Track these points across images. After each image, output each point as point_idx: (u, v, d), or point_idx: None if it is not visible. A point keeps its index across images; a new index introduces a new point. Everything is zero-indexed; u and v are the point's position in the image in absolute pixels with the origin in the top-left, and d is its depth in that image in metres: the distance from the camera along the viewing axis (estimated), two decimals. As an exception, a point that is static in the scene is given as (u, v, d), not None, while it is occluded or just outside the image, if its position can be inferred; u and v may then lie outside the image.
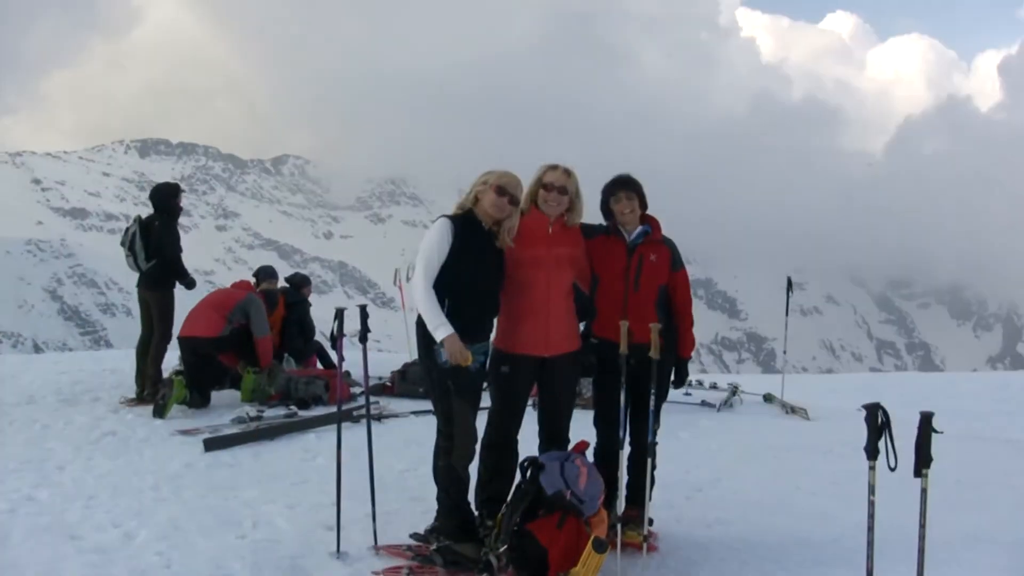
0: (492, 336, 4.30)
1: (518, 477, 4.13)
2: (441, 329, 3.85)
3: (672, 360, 4.54)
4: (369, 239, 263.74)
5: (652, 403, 4.31)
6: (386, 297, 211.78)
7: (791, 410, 9.12)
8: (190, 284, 8.00)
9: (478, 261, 4.03)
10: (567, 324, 4.33)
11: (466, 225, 4.04)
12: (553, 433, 4.36)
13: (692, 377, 11.12)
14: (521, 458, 4.19)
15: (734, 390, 9.63)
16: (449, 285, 3.96)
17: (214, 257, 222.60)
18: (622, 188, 4.49)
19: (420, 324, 4.00)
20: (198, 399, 7.47)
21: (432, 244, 3.96)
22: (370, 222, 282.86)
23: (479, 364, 3.98)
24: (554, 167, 4.30)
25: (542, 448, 4.35)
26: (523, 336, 4.22)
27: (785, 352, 10.89)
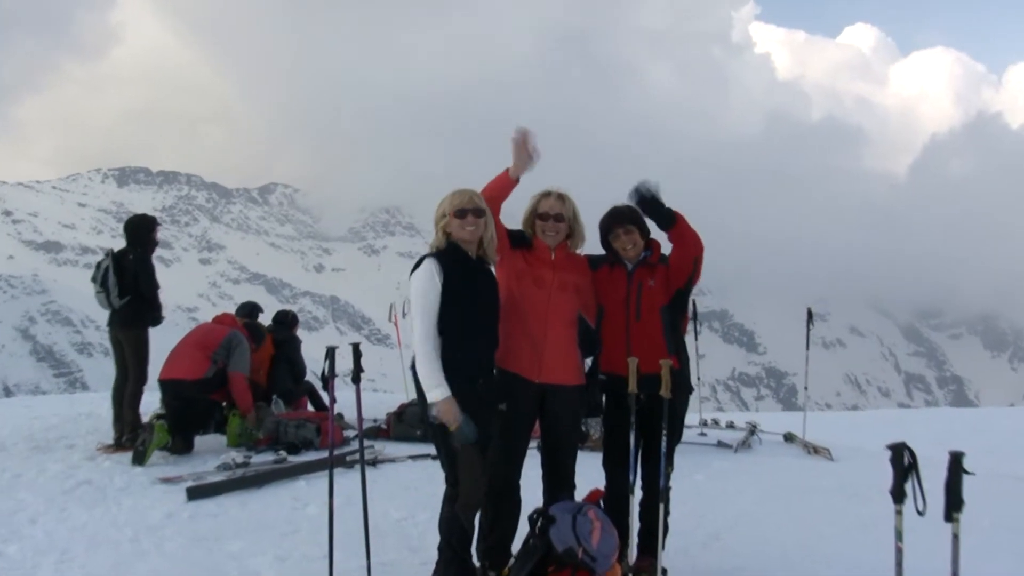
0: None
1: (525, 528, 4.12)
2: (436, 390, 3.87)
3: (683, 397, 4.54)
4: (362, 272, 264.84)
5: (664, 444, 4.31)
6: (381, 334, 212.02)
7: (814, 450, 9.10)
8: (156, 320, 7.87)
9: (472, 295, 4.07)
10: (565, 353, 4.35)
11: (452, 259, 4.08)
12: (558, 476, 4.36)
13: (707, 416, 11.11)
14: (523, 503, 4.18)
15: (752, 429, 9.61)
16: (445, 326, 3.99)
17: (198, 292, 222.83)
18: (619, 224, 4.53)
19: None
20: (180, 444, 7.46)
21: (424, 291, 3.98)
22: (363, 254, 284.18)
23: (468, 439, 3.89)
24: (547, 194, 4.40)
25: (547, 493, 4.35)
26: (515, 356, 4.26)
27: (807, 388, 10.87)
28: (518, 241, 4.42)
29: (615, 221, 4.56)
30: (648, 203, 4.33)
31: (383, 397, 12.21)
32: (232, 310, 9.31)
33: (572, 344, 4.40)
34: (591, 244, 4.63)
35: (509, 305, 4.28)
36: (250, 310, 9.25)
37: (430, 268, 4.02)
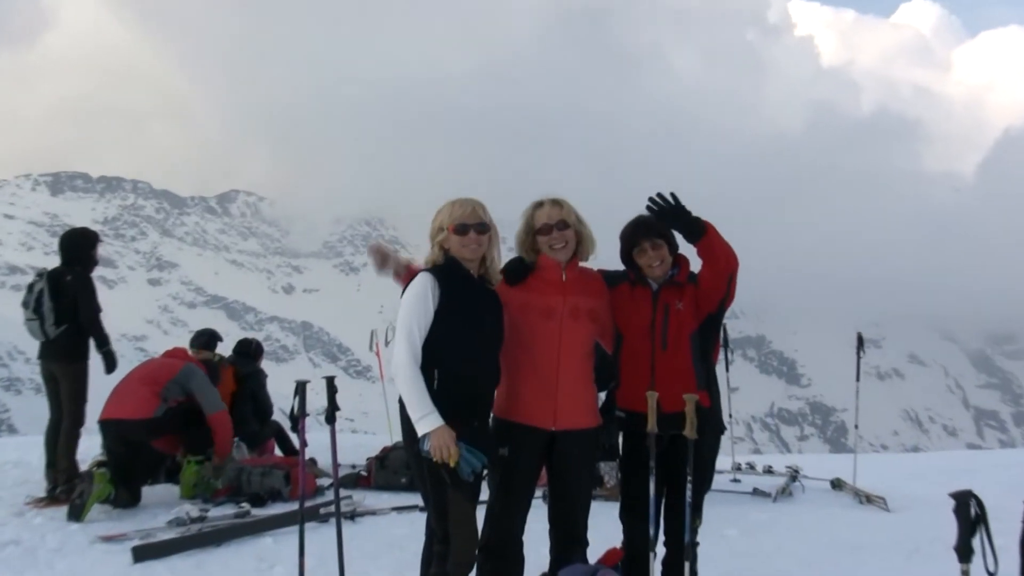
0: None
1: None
2: (426, 420, 3.89)
3: (712, 439, 4.55)
4: (339, 293, 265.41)
5: (690, 493, 4.32)
6: (361, 365, 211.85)
7: (866, 499, 9.08)
8: (110, 361, 7.80)
9: (472, 318, 4.11)
10: (583, 392, 4.38)
11: (451, 276, 4.14)
12: (568, 531, 4.37)
13: (741, 459, 11.10)
14: (528, 564, 4.19)
15: (794, 474, 9.59)
16: (439, 354, 4.02)
17: (146, 318, 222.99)
18: (643, 236, 4.56)
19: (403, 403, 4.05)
20: (125, 496, 7.45)
21: (413, 308, 4.04)
22: (340, 272, 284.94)
23: (473, 471, 3.96)
24: (539, 205, 4.46)
25: (555, 551, 4.35)
26: (525, 402, 4.29)
27: (857, 426, 10.87)
28: (514, 275, 4.45)
29: (641, 233, 4.59)
30: (670, 212, 4.34)
31: (363, 439, 12.21)
32: (186, 338, 9.34)
33: (588, 380, 4.44)
34: (606, 257, 4.67)
35: (513, 343, 4.31)
36: (208, 339, 9.25)
37: (425, 283, 4.08)
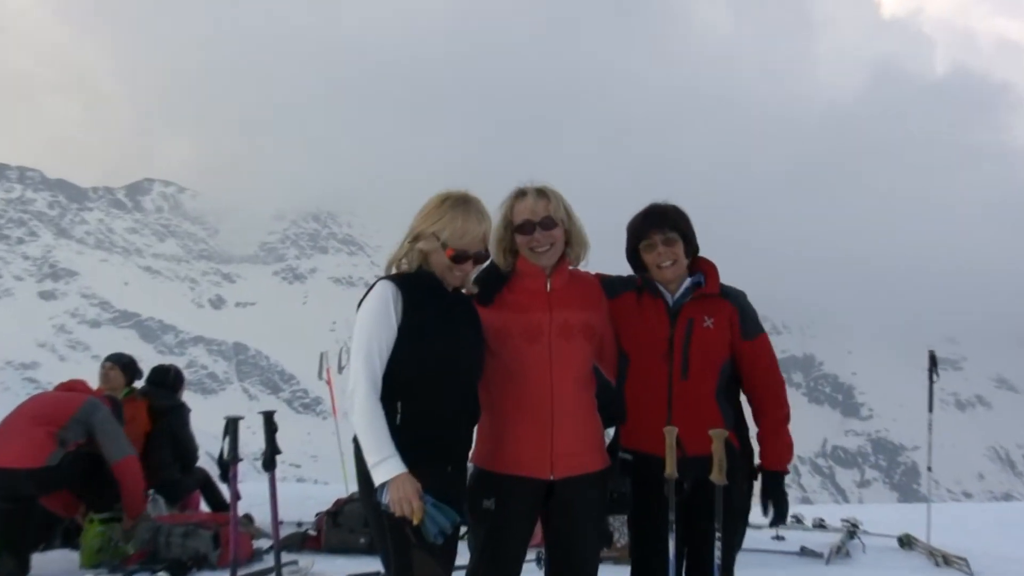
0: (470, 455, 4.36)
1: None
2: (384, 466, 3.88)
3: (745, 485, 4.57)
4: (281, 307, 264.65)
5: (719, 552, 4.35)
6: (308, 397, 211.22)
7: (943, 560, 9.10)
8: None
9: (446, 337, 4.12)
10: (585, 428, 4.40)
11: (419, 287, 4.15)
12: (567, 603, 4.37)
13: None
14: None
15: (853, 530, 9.62)
16: (403, 384, 4.03)
17: (37, 341, 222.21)
18: (655, 228, 4.60)
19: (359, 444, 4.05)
20: (11, 565, 7.43)
21: (373, 325, 4.04)
22: (282, 281, 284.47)
23: (442, 532, 3.92)
24: (521, 193, 4.45)
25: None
26: (514, 447, 4.30)
27: (931, 468, 10.90)
28: (488, 291, 4.45)
29: (651, 223, 4.63)
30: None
31: (311, 490, 12.20)
32: (88, 365, 9.33)
33: (590, 411, 4.45)
34: (612, 263, 4.69)
35: (493, 374, 4.33)
36: (124, 365, 9.31)
37: (386, 294, 4.08)
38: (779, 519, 4.64)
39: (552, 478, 4.27)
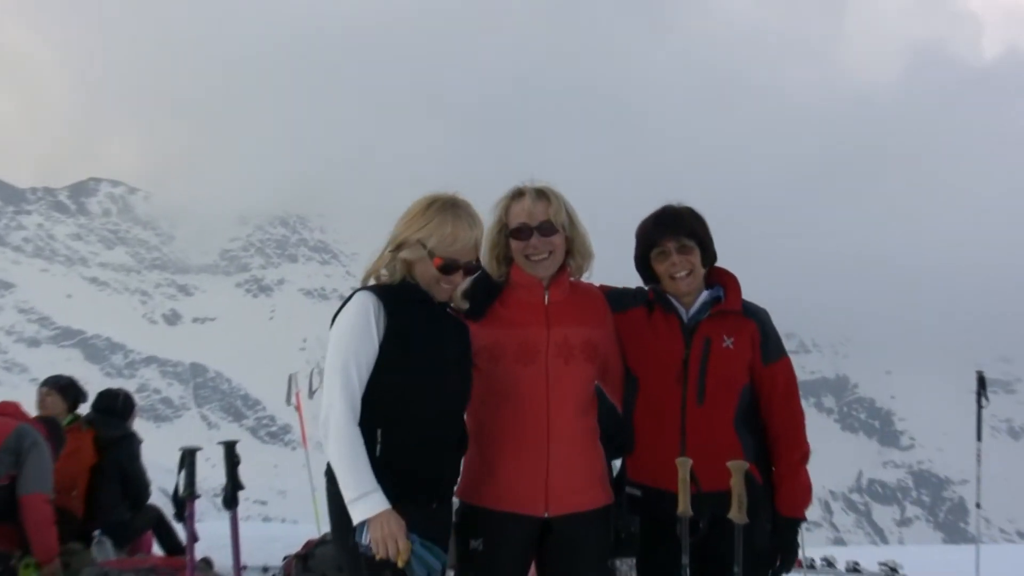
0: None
1: None
2: (365, 502, 3.86)
3: (768, 524, 4.57)
4: (244, 324, 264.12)
5: (739, 601, 4.32)
6: (275, 425, 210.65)
7: (993, 607, 9.11)
8: None
9: (433, 358, 4.11)
10: (583, 461, 4.40)
11: (403, 300, 4.13)
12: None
13: (815, 552, 11.11)
14: None
15: (891, 574, 9.62)
16: (384, 409, 4.01)
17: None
18: (669, 233, 4.59)
19: (333, 475, 4.04)
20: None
21: (351, 342, 4.01)
22: (246, 293, 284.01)
23: (432, 574, 3.91)
24: (518, 193, 4.46)
25: None
26: (504, 481, 4.30)
27: (980, 505, 10.89)
28: (479, 305, 4.44)
29: (664, 228, 4.63)
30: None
31: (279, 530, 12.18)
32: (25, 388, 9.29)
33: (591, 441, 4.46)
34: (622, 274, 4.69)
35: (482, 399, 4.34)
36: (65, 388, 9.25)
37: (367, 307, 4.06)
38: (785, 570, 4.65)
39: (547, 515, 4.27)
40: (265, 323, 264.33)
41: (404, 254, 4.16)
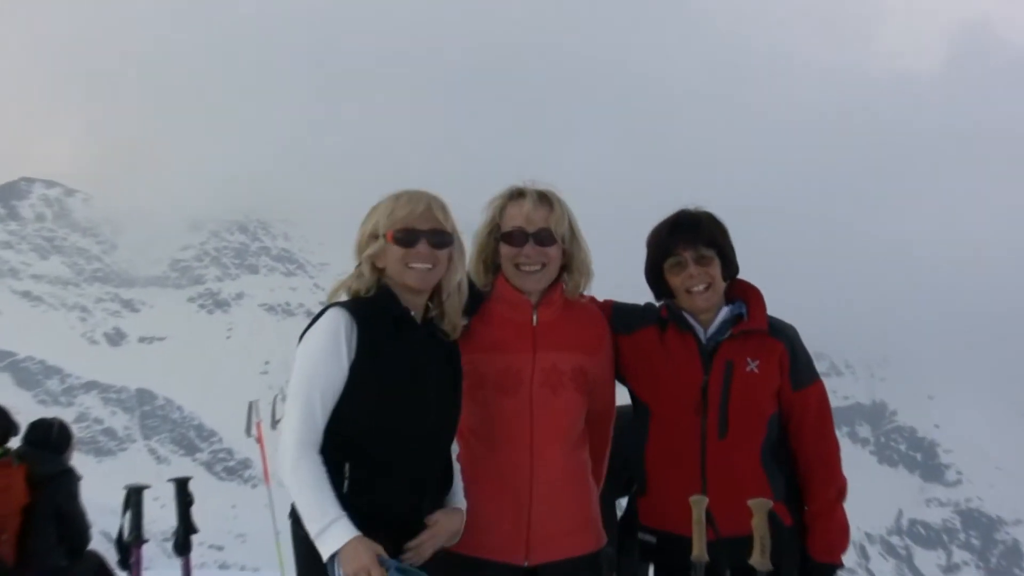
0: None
1: None
2: (332, 531, 3.85)
3: (796, 572, 4.57)
4: (198, 343, 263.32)
5: (764, 658, 4.33)
6: (233, 459, 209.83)
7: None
8: None
9: (412, 387, 4.11)
10: (570, 503, 4.43)
11: (380, 315, 4.13)
12: None
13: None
14: None
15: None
16: (352, 440, 4.02)
17: None
18: (685, 241, 4.60)
19: (298, 516, 4.03)
20: None
21: (317, 365, 4.02)
22: (200, 309, 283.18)
23: None
24: (518, 194, 4.47)
25: None
26: (482, 526, 4.31)
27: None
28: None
29: (680, 236, 4.64)
30: None
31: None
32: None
33: (580, 480, 4.49)
34: (632, 289, 4.69)
35: (459, 433, 4.34)
36: None
37: (337, 325, 4.05)
38: None
39: (527, 564, 4.30)
40: (222, 343, 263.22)
41: (368, 252, 4.20)
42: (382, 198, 4.26)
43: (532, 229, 4.36)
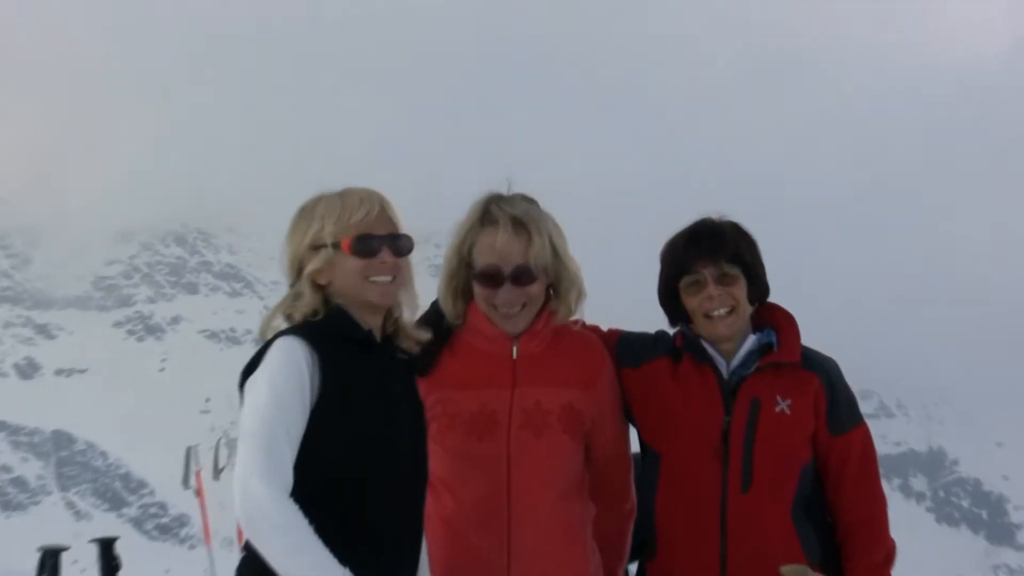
0: None
1: None
2: None
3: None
4: (126, 376, 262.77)
5: None
6: (167, 515, 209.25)
7: None
8: None
9: (384, 427, 4.08)
10: (564, 567, 4.43)
11: (339, 343, 4.07)
12: None
13: None
14: None
15: None
16: (315, 490, 3.96)
17: None
18: (705, 256, 4.58)
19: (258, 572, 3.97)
20: None
21: (280, 403, 3.92)
22: (128, 335, 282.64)
23: None
24: (489, 220, 4.40)
25: None
26: None
27: None
28: (426, 354, 4.40)
29: (699, 250, 4.63)
30: None
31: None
32: None
33: (574, 540, 4.50)
34: (644, 318, 4.70)
35: (434, 477, 4.33)
36: None
37: (295, 357, 3.98)
38: None
39: None
40: (154, 376, 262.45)
41: (309, 271, 4.10)
42: (311, 200, 4.19)
43: (508, 268, 4.31)
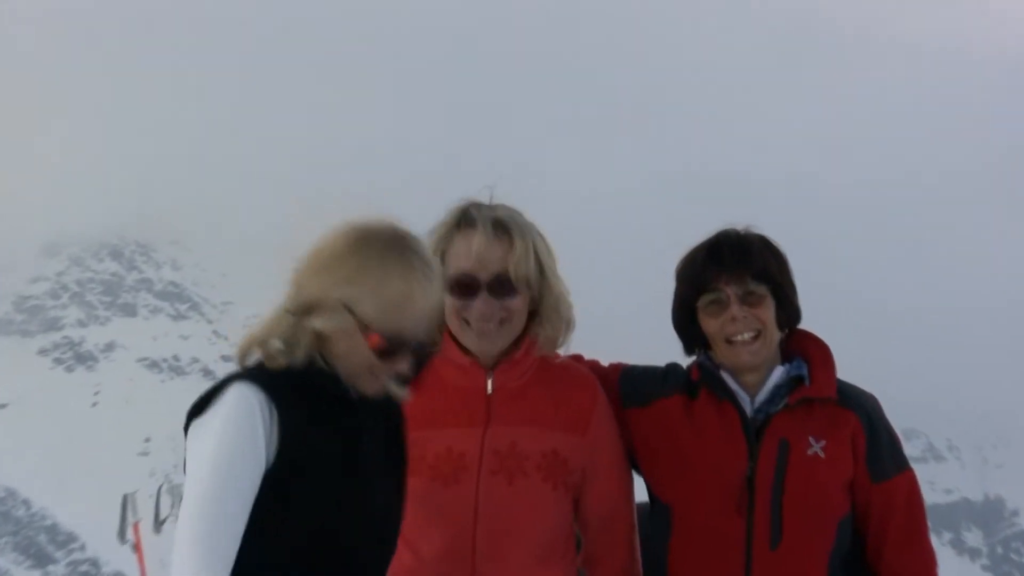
0: None
1: None
2: None
3: None
4: (54, 412, 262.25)
5: None
6: (100, 572, 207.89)
7: None
8: None
9: (352, 503, 3.98)
10: None
11: (308, 400, 3.92)
12: None
13: None
14: None
15: None
16: (269, 566, 3.88)
17: None
18: (729, 273, 4.54)
19: None
20: None
21: (228, 465, 3.78)
22: (55, 364, 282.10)
23: None
24: (466, 221, 4.34)
25: None
26: None
27: None
28: None
29: (719, 265, 4.60)
30: None
31: None
32: None
33: None
34: (659, 350, 4.70)
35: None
36: None
37: (248, 411, 3.82)
38: None
39: None
40: (85, 411, 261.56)
41: (318, 323, 3.88)
42: (370, 242, 3.88)
43: (485, 276, 4.25)
